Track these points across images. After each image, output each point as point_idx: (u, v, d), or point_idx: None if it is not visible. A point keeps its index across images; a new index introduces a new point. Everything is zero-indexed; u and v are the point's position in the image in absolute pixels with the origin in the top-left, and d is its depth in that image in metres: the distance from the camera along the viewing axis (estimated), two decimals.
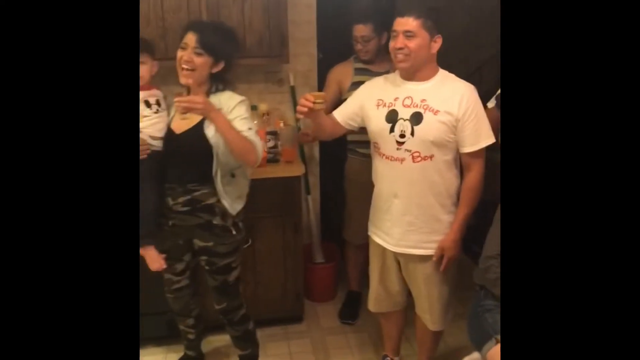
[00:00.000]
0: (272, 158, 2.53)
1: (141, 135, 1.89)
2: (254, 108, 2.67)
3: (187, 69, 1.85)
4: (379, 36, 2.47)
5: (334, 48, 2.74)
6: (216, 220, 1.95)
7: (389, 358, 2.32)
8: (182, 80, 1.88)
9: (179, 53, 1.86)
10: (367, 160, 2.37)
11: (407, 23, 1.76)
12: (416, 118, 1.80)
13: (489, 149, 1.83)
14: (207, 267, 2.04)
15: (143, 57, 1.90)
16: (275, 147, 2.57)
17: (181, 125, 1.93)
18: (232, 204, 1.96)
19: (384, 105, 1.87)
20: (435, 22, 1.78)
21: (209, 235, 1.96)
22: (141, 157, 1.89)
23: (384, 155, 1.89)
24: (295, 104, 2.83)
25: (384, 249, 2.02)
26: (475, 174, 1.85)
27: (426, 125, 1.79)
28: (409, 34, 1.76)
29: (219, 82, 1.93)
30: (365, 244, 2.64)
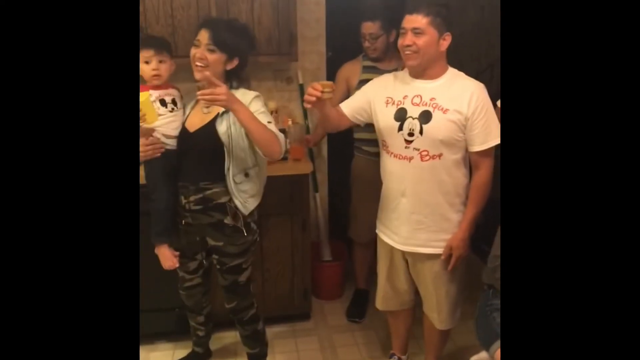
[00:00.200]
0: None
1: (155, 134, 1.90)
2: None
3: (201, 66, 1.85)
4: (387, 33, 2.46)
5: (343, 46, 2.74)
6: (227, 220, 1.94)
7: (396, 356, 2.31)
8: (197, 76, 1.88)
9: (193, 50, 1.86)
10: (374, 158, 2.37)
11: (415, 20, 1.75)
12: (425, 116, 1.79)
13: (497, 147, 1.82)
14: (218, 267, 2.04)
15: (162, 56, 1.91)
16: None
17: (194, 123, 1.93)
18: (245, 203, 1.95)
19: (393, 103, 1.86)
20: (445, 20, 1.76)
21: (220, 235, 1.96)
22: (155, 155, 1.90)
23: (392, 153, 1.88)
24: (303, 102, 2.84)
25: (392, 248, 2.01)
26: (484, 172, 1.84)
27: (435, 123, 1.78)
28: (417, 32, 1.75)
29: (233, 79, 1.93)
30: (372, 242, 2.64)
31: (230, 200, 1.93)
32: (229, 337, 2.54)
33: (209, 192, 1.92)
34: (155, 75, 1.90)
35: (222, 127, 1.87)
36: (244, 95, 1.88)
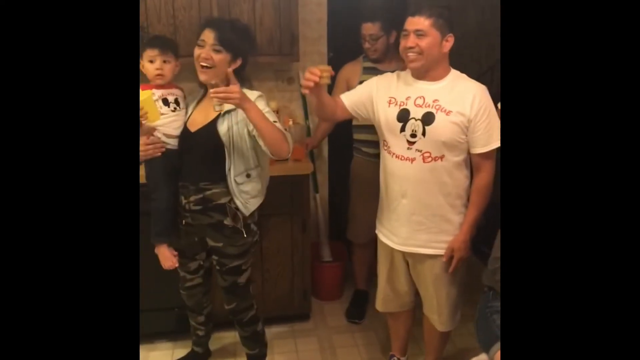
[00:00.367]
0: None
1: (156, 134, 1.90)
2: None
3: (206, 67, 1.85)
4: (387, 35, 2.46)
5: (345, 47, 2.74)
6: (227, 221, 1.94)
7: (396, 358, 2.31)
8: (202, 78, 1.88)
9: (197, 51, 1.86)
10: (373, 160, 2.36)
11: (418, 22, 1.75)
12: (428, 118, 1.79)
13: (498, 149, 1.82)
14: (217, 267, 2.04)
15: (167, 57, 1.91)
16: None
17: (196, 123, 1.93)
18: (246, 204, 1.95)
19: (396, 104, 1.86)
20: (448, 21, 1.76)
21: (220, 236, 1.96)
22: (156, 155, 1.90)
23: (394, 154, 1.88)
24: (305, 102, 2.84)
25: (392, 249, 2.01)
26: (485, 175, 1.84)
27: (438, 125, 1.78)
28: (420, 33, 1.75)
29: (236, 79, 1.93)
30: (371, 242, 2.64)
31: (230, 201, 1.92)
32: (229, 337, 2.54)
33: (209, 192, 1.92)
34: (158, 75, 1.91)
35: (223, 128, 1.87)
36: (248, 95, 1.88)
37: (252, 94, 1.88)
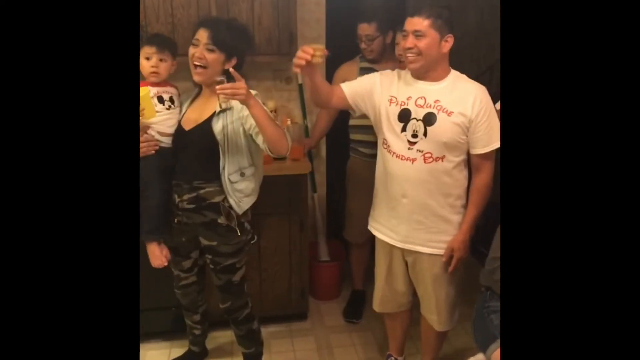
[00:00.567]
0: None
1: (150, 132, 1.90)
2: (266, 110, 2.68)
3: (200, 66, 1.85)
4: (383, 35, 2.46)
5: (343, 46, 2.73)
6: (221, 220, 1.94)
7: (393, 357, 2.31)
8: (195, 78, 1.88)
9: (191, 50, 1.86)
10: (369, 160, 2.36)
11: (416, 23, 1.75)
12: (429, 119, 1.79)
13: (498, 150, 1.82)
14: (211, 266, 2.04)
15: (164, 55, 1.91)
16: None
17: (190, 121, 1.93)
18: (239, 202, 1.95)
19: (397, 103, 1.86)
20: (447, 21, 1.76)
21: (214, 234, 1.96)
22: (149, 153, 1.89)
23: (394, 153, 1.87)
24: (303, 102, 2.84)
25: (391, 249, 2.01)
26: (485, 175, 1.84)
27: (440, 126, 1.78)
28: (418, 34, 1.75)
29: (231, 78, 1.93)
30: (367, 242, 2.64)
31: (224, 199, 1.92)
32: (225, 336, 2.54)
33: (202, 191, 1.92)
34: (153, 73, 1.90)
35: (217, 126, 1.87)
36: None
37: None
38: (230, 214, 1.94)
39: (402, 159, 1.85)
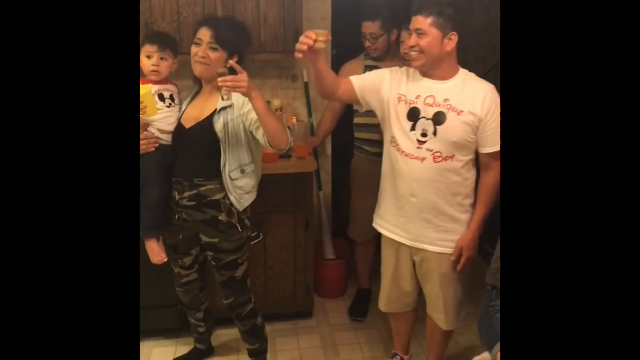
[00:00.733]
0: (285, 153, 2.51)
1: (150, 129, 1.91)
2: (267, 103, 2.68)
3: (202, 64, 1.86)
4: (387, 33, 2.46)
5: (348, 44, 2.74)
6: (222, 217, 1.95)
7: (398, 356, 2.31)
8: (197, 72, 1.90)
9: (194, 49, 1.87)
10: (374, 158, 2.35)
11: (418, 21, 1.76)
12: (439, 118, 1.79)
13: None
14: (213, 263, 2.04)
15: (165, 54, 1.92)
16: None
17: (190, 119, 1.94)
18: (240, 199, 1.96)
19: (406, 102, 1.85)
20: (450, 19, 1.75)
21: (215, 231, 1.97)
22: (149, 150, 1.90)
23: (403, 152, 1.86)
24: (308, 100, 2.84)
25: (398, 247, 2.00)
26: (494, 174, 1.84)
27: (449, 125, 1.78)
28: (420, 32, 1.75)
29: (234, 72, 1.93)
30: (372, 240, 2.63)
31: (225, 197, 1.93)
32: (231, 333, 2.54)
33: (203, 188, 1.93)
34: (153, 71, 1.91)
35: (219, 124, 1.88)
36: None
37: None
38: (231, 211, 1.95)
39: (411, 158, 1.84)
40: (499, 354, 1.65)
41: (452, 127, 1.78)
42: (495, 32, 4.37)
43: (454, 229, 1.90)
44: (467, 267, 1.96)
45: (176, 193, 1.97)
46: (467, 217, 1.91)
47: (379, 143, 2.07)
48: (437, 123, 1.79)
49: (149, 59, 1.90)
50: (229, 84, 1.67)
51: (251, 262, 2.49)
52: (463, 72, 1.85)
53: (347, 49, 2.75)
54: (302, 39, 1.65)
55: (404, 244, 1.98)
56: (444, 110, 1.79)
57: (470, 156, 1.85)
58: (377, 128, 2.26)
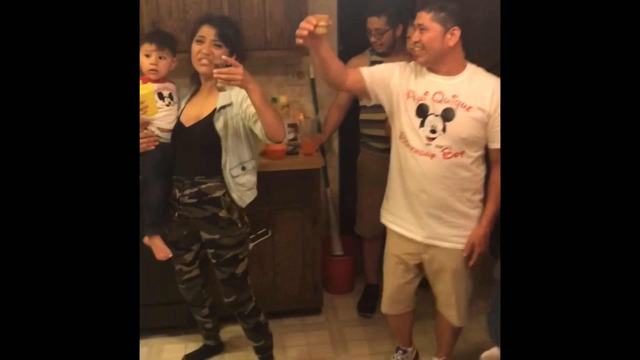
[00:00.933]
0: (292, 150, 2.54)
1: (150, 127, 1.92)
2: (274, 100, 2.68)
3: (207, 62, 1.87)
4: (393, 28, 2.45)
5: (355, 40, 2.73)
6: (222, 213, 1.96)
7: (401, 350, 2.31)
8: (201, 70, 1.92)
9: (196, 47, 1.89)
10: (381, 154, 2.35)
11: (420, 17, 1.76)
12: (448, 114, 1.78)
13: None
14: (214, 261, 2.05)
15: (163, 53, 1.92)
16: (294, 139, 2.58)
17: (190, 117, 1.96)
18: (242, 196, 1.98)
19: (414, 98, 1.84)
20: (452, 14, 1.73)
21: (215, 228, 1.98)
22: (149, 149, 1.92)
23: (412, 148, 1.85)
24: (315, 96, 2.84)
25: (406, 244, 1.98)
26: None
27: (459, 121, 1.77)
28: (422, 28, 1.75)
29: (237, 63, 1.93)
30: (379, 236, 2.63)
31: (225, 194, 1.95)
32: (240, 329, 2.54)
33: (204, 186, 1.94)
34: (152, 70, 1.92)
35: (219, 123, 1.89)
36: (240, 91, 1.86)
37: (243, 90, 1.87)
38: (231, 207, 1.96)
39: (420, 155, 1.83)
40: None
41: (462, 124, 1.77)
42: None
43: (464, 225, 1.89)
44: (478, 263, 1.95)
45: (177, 191, 1.98)
46: (478, 213, 1.90)
47: (385, 139, 2.07)
48: (446, 119, 1.78)
49: (148, 57, 1.91)
50: (223, 76, 1.67)
51: (259, 258, 2.51)
52: (471, 68, 1.83)
53: (353, 45, 2.74)
54: (302, 24, 1.63)
55: (412, 241, 1.96)
56: (453, 106, 1.78)
57: (480, 152, 1.84)
58: (383, 124, 2.26)
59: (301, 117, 2.72)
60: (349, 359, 2.45)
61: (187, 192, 1.96)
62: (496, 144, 1.80)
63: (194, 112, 1.96)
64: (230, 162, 1.92)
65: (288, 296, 2.62)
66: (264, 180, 2.33)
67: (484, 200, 1.91)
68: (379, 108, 2.00)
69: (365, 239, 2.81)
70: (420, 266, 2.03)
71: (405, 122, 1.86)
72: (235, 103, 1.90)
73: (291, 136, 2.56)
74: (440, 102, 1.80)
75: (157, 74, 1.93)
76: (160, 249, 2.02)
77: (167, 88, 1.97)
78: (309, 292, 2.65)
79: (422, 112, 1.82)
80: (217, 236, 1.99)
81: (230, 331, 2.57)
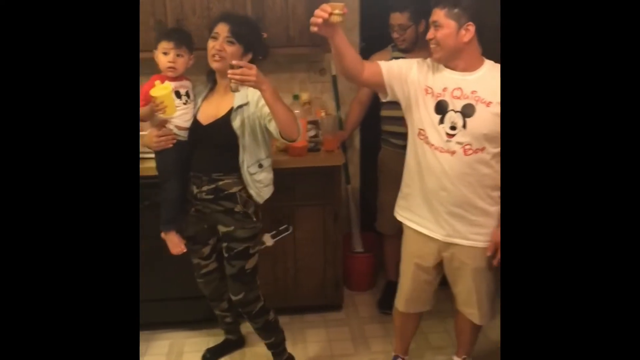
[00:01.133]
0: (313, 147, 2.54)
1: (168, 126, 1.95)
2: (295, 97, 2.69)
3: (219, 58, 1.89)
4: (416, 24, 2.43)
5: (377, 37, 2.72)
6: (237, 208, 1.99)
7: (400, 358, 2.28)
8: (214, 65, 1.93)
9: (211, 43, 1.90)
10: (401, 151, 2.32)
11: (434, 13, 1.76)
12: (468, 110, 1.76)
13: None
14: (226, 254, 2.07)
15: (181, 50, 1.94)
16: (316, 136, 2.58)
17: (207, 116, 1.98)
18: (260, 192, 2.01)
19: (432, 95, 1.83)
20: (467, 10, 1.72)
21: (231, 220, 2.01)
22: (167, 146, 1.95)
23: (432, 145, 1.84)
24: (336, 93, 2.84)
25: (425, 242, 1.96)
26: None
27: (479, 117, 1.75)
28: (436, 24, 1.75)
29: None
30: (400, 233, 2.62)
31: (241, 190, 1.98)
32: None
33: (221, 182, 1.97)
34: (170, 68, 1.93)
35: (236, 122, 1.91)
36: (255, 91, 1.86)
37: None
38: (247, 202, 2.00)
39: (441, 151, 1.82)
40: None
41: (482, 119, 1.75)
42: None
43: (484, 223, 1.88)
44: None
45: (194, 187, 2.01)
46: (497, 210, 1.88)
47: (406, 136, 2.05)
48: (466, 115, 1.77)
49: (166, 55, 1.93)
50: (237, 77, 1.68)
51: (281, 255, 2.53)
52: (489, 64, 1.82)
53: (374, 42, 2.73)
54: (317, 12, 1.62)
55: (432, 240, 1.94)
56: (473, 102, 1.77)
57: (499, 148, 1.81)
58: (404, 121, 2.24)
59: (323, 114, 2.72)
60: (369, 356, 2.45)
61: (204, 188, 1.98)
62: None
63: (211, 110, 1.98)
64: (247, 160, 1.95)
65: (309, 292, 2.63)
66: (286, 176, 2.35)
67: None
68: (400, 104, 1.99)
69: (386, 236, 2.80)
70: (439, 265, 2.01)
71: (424, 119, 1.85)
72: (251, 102, 1.92)
73: (312, 133, 2.57)
74: (459, 98, 1.78)
75: (175, 71, 1.95)
76: (175, 244, 2.06)
77: (184, 86, 1.99)
78: (329, 289, 2.66)
79: (442, 108, 1.81)
80: (231, 228, 2.02)
81: (251, 326, 2.58)
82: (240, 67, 1.68)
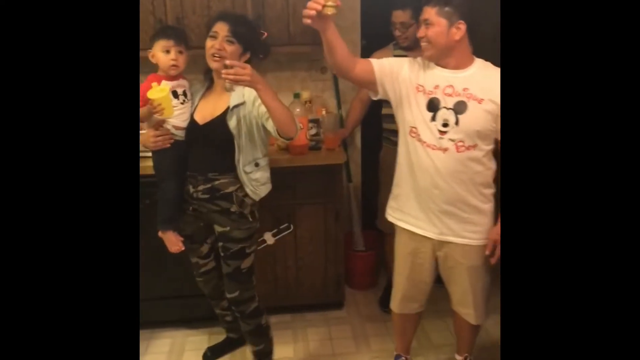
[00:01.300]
0: (314, 145, 2.54)
1: (165, 125, 1.95)
2: (296, 96, 2.69)
3: (218, 57, 1.88)
4: (418, 22, 2.43)
5: (377, 35, 2.72)
6: (233, 208, 1.99)
7: (403, 357, 2.27)
8: (213, 65, 1.92)
9: (209, 42, 1.90)
10: None
11: (425, 12, 1.76)
12: (460, 107, 1.77)
13: None
14: (222, 254, 2.07)
15: (181, 47, 1.94)
16: (317, 134, 2.58)
17: (204, 115, 1.97)
18: (256, 190, 2.00)
19: (424, 92, 1.83)
20: (458, 8, 1.72)
21: (227, 220, 2.00)
22: (164, 146, 1.95)
23: (424, 143, 1.83)
24: (337, 92, 2.84)
25: (418, 242, 1.95)
26: None
27: (471, 114, 1.75)
28: (427, 22, 1.75)
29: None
30: None
31: (237, 189, 1.97)
32: None
33: (217, 182, 1.97)
34: (173, 66, 1.93)
35: (232, 122, 1.91)
36: (252, 90, 1.85)
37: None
38: (243, 202, 1.99)
39: (433, 149, 1.81)
40: None
41: (475, 116, 1.76)
42: None
43: (477, 220, 1.87)
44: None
45: (190, 186, 2.01)
46: (490, 207, 1.88)
47: None
48: (459, 112, 1.77)
49: (167, 54, 1.92)
50: (231, 77, 1.68)
51: (282, 253, 2.53)
52: (479, 62, 1.83)
53: (376, 40, 2.73)
54: (310, 4, 1.60)
55: (425, 239, 1.94)
56: (465, 99, 1.77)
57: (491, 146, 1.82)
58: None
59: (324, 112, 2.72)
60: (370, 354, 2.45)
61: (200, 187, 1.99)
62: None
63: (207, 109, 1.98)
64: (243, 160, 1.95)
65: (310, 290, 2.63)
66: (287, 175, 2.35)
67: (495, 195, 1.88)
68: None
69: (388, 234, 2.79)
70: (433, 264, 2.00)
71: (416, 116, 1.85)
72: (247, 102, 1.91)
73: (314, 131, 2.56)
74: (451, 95, 1.79)
75: (177, 69, 1.94)
76: (172, 242, 2.06)
77: (181, 85, 1.98)
78: (331, 287, 2.66)
79: (433, 106, 1.81)
80: (227, 228, 2.02)
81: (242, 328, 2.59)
82: (234, 66, 1.67)
